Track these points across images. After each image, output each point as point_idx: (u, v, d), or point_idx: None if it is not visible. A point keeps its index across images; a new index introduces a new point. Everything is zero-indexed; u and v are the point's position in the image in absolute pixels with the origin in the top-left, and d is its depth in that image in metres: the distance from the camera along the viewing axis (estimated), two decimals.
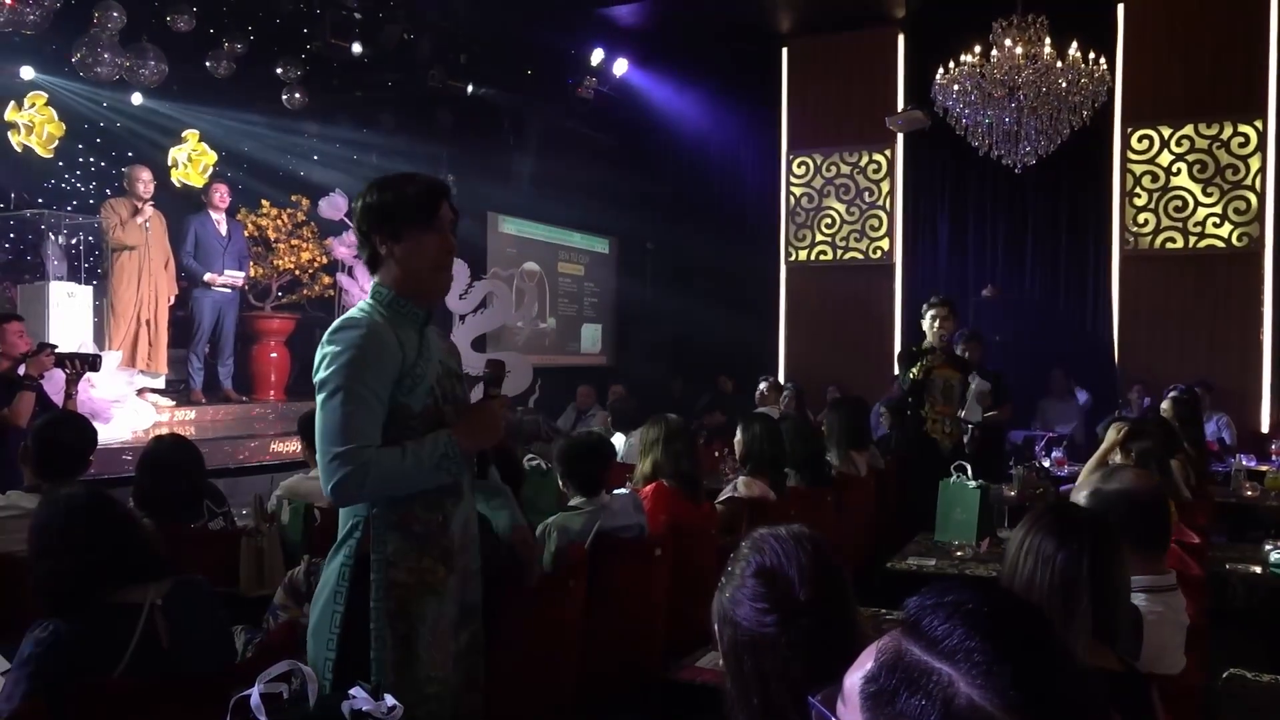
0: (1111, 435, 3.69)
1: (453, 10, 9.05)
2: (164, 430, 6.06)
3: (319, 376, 2.05)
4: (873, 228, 10.81)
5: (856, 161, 10.85)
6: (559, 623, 3.08)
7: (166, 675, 1.91)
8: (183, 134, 8.44)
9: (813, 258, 11.00)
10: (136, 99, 8.25)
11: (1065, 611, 1.59)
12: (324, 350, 2.05)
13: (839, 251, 10.91)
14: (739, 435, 4.52)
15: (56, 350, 5.02)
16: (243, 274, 7.85)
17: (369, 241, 2.18)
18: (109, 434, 5.85)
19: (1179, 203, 9.45)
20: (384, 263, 2.17)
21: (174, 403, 7.29)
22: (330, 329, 2.07)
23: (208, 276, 7.58)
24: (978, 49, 7.70)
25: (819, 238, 11.03)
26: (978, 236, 10.37)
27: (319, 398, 2.04)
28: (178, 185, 8.33)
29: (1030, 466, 6.16)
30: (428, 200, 2.18)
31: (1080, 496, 2.29)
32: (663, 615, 3.57)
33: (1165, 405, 5.81)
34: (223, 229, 7.78)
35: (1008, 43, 7.53)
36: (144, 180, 7.17)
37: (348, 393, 2.00)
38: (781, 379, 9.79)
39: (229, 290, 7.77)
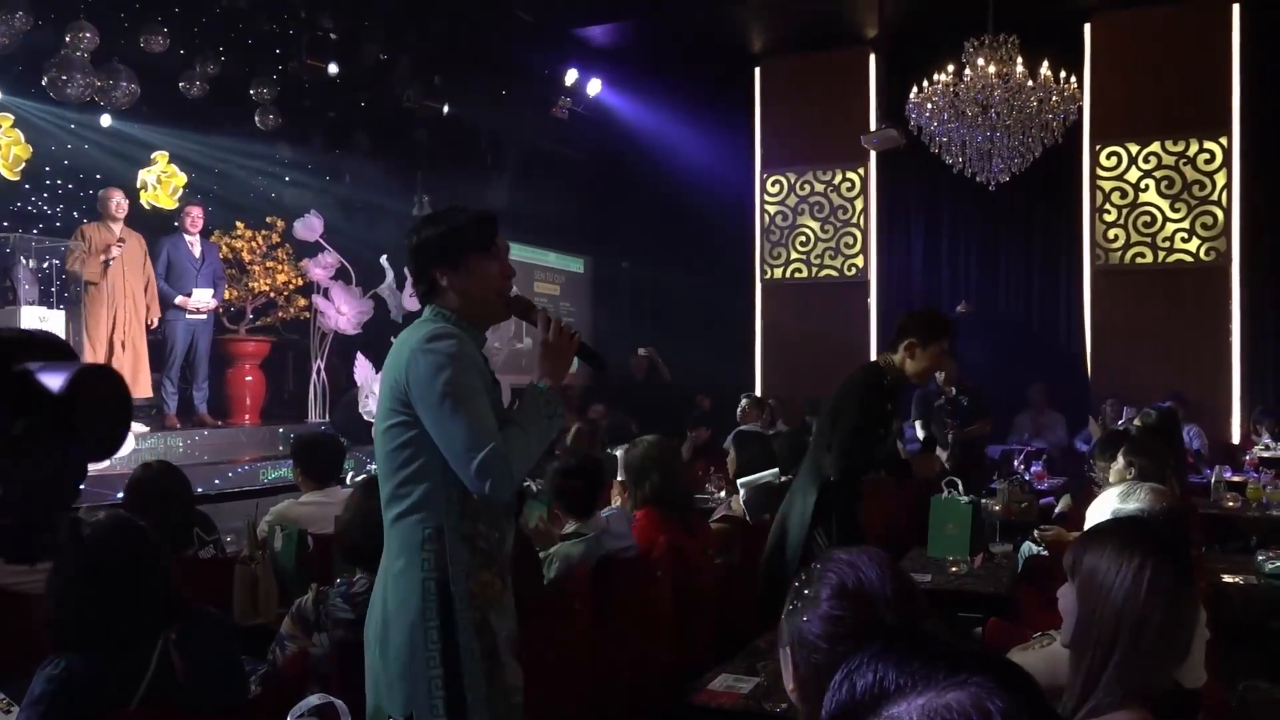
0: (1119, 463, 3.70)
1: (428, 31, 9.02)
2: (139, 458, 5.94)
3: (432, 388, 2.04)
4: (847, 245, 10.88)
5: (830, 180, 10.93)
6: (564, 646, 3.04)
7: (183, 710, 1.85)
8: (152, 156, 8.33)
9: (788, 275, 11.05)
10: (105, 120, 8.13)
11: (1168, 624, 1.55)
12: (424, 360, 2.06)
13: (814, 269, 10.96)
14: (732, 454, 4.50)
15: None
16: (214, 299, 7.74)
17: (426, 275, 2.21)
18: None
19: (1148, 218, 9.60)
20: (442, 293, 2.20)
21: (148, 428, 7.16)
22: (423, 338, 2.09)
23: (179, 300, 7.48)
24: (951, 68, 7.79)
25: (794, 255, 11.09)
26: (951, 253, 10.48)
27: (439, 408, 2.04)
28: (147, 208, 8.21)
29: (1014, 481, 6.19)
30: (484, 227, 2.23)
31: (1104, 512, 2.29)
32: (666, 638, 3.54)
33: (1144, 419, 5.86)
34: (196, 251, 7.68)
35: (980, 62, 7.63)
36: (116, 201, 7.07)
37: (467, 395, 2.05)
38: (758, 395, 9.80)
39: (202, 314, 7.66)
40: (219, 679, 1.99)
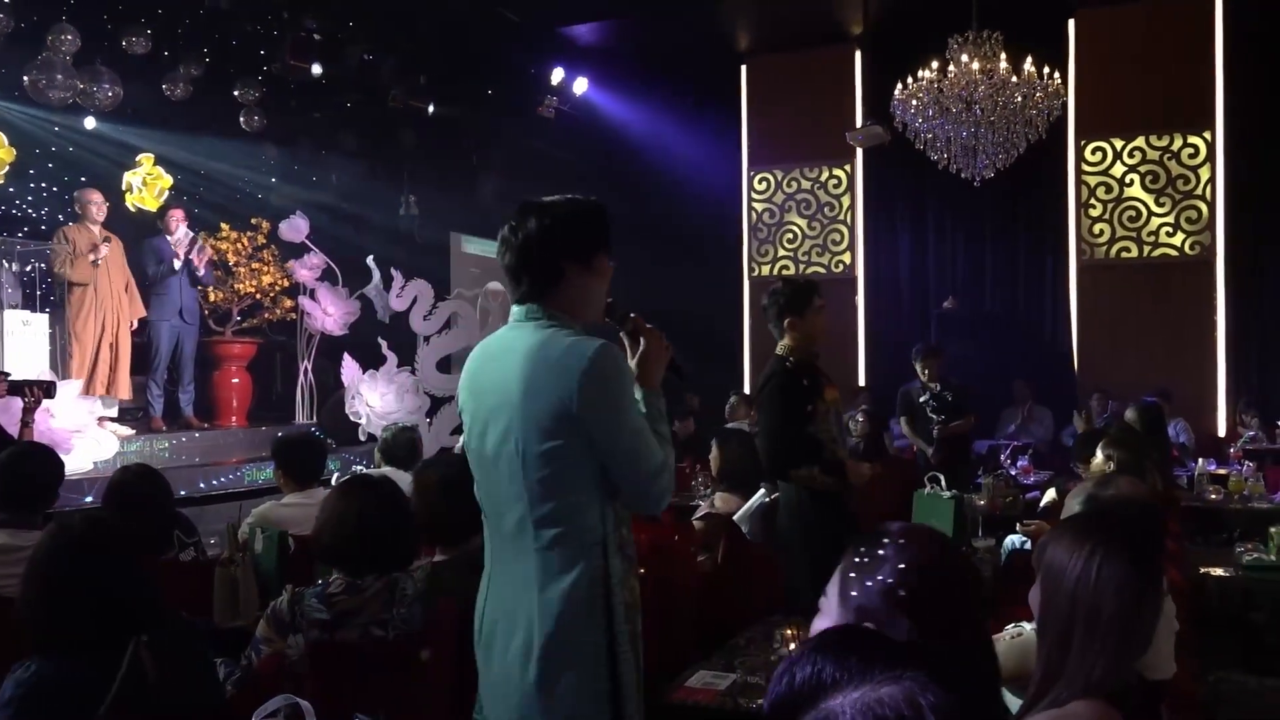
0: (1099, 457, 3.73)
1: (413, 30, 9.01)
2: (124, 460, 5.93)
3: (616, 412, 2.01)
4: (834, 242, 10.90)
5: (817, 177, 10.95)
6: None
7: (154, 713, 1.85)
8: (138, 158, 8.30)
9: (775, 273, 11.05)
10: (90, 123, 8.11)
11: (1123, 612, 1.56)
12: (603, 384, 2.00)
13: (801, 266, 10.97)
14: (715, 451, 4.51)
15: (10, 378, 4.91)
16: (199, 252, 7.68)
17: (553, 267, 2.08)
18: (69, 465, 5.70)
19: (1133, 213, 9.64)
20: (562, 290, 2.10)
21: (134, 431, 7.14)
22: (591, 359, 1.99)
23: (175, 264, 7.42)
24: (935, 64, 7.81)
25: (781, 253, 11.10)
26: (938, 249, 10.50)
27: (623, 431, 2.02)
28: (133, 210, 8.18)
29: (999, 476, 6.22)
30: (607, 223, 2.17)
31: (1075, 504, 2.31)
32: (648, 635, 3.53)
33: (1131, 413, 5.89)
34: (180, 251, 7.65)
35: (964, 58, 7.65)
36: (96, 203, 7.04)
37: (638, 414, 2.07)
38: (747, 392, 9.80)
39: (195, 278, 7.59)
40: (190, 685, 1.99)
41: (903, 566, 1.29)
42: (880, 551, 1.31)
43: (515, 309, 2.13)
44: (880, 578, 1.29)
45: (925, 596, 1.27)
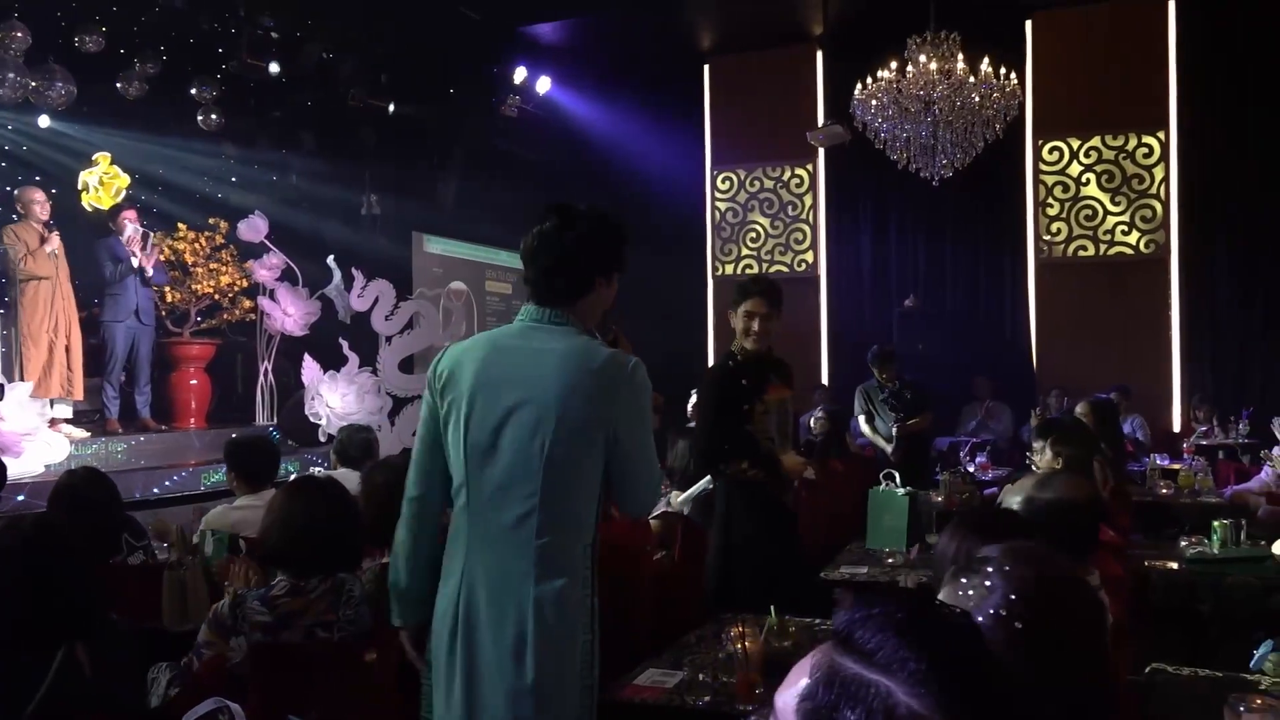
0: (1048, 453, 3.77)
1: (372, 29, 8.95)
2: (78, 463, 5.85)
3: (645, 421, 2.14)
4: (797, 241, 10.96)
5: (779, 176, 11.00)
6: None
7: (89, 710, 1.84)
8: (94, 157, 8.18)
9: (739, 272, 11.10)
10: (44, 121, 7.99)
11: None
12: (639, 394, 2.13)
13: (764, 265, 11.02)
14: (668, 450, 4.53)
15: None
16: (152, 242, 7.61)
17: (588, 279, 2.19)
18: (20, 468, 5.63)
19: (1089, 212, 9.77)
20: (586, 301, 2.19)
21: (89, 434, 7.04)
22: (630, 370, 2.12)
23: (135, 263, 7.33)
24: (894, 65, 7.88)
25: (744, 252, 11.15)
26: (899, 248, 10.58)
27: (647, 440, 2.16)
28: (89, 210, 8.07)
29: (956, 472, 6.27)
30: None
31: (1013, 501, 2.34)
32: (603, 633, 3.54)
33: (1082, 409, 5.96)
34: (136, 249, 7.55)
35: (922, 58, 7.72)
36: (39, 202, 6.93)
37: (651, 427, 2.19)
38: None
39: (145, 277, 7.49)
40: (119, 688, 1.98)
41: (1014, 596, 1.13)
42: (987, 582, 1.16)
43: (534, 309, 2.18)
44: (991, 610, 1.13)
45: (1042, 628, 1.11)
